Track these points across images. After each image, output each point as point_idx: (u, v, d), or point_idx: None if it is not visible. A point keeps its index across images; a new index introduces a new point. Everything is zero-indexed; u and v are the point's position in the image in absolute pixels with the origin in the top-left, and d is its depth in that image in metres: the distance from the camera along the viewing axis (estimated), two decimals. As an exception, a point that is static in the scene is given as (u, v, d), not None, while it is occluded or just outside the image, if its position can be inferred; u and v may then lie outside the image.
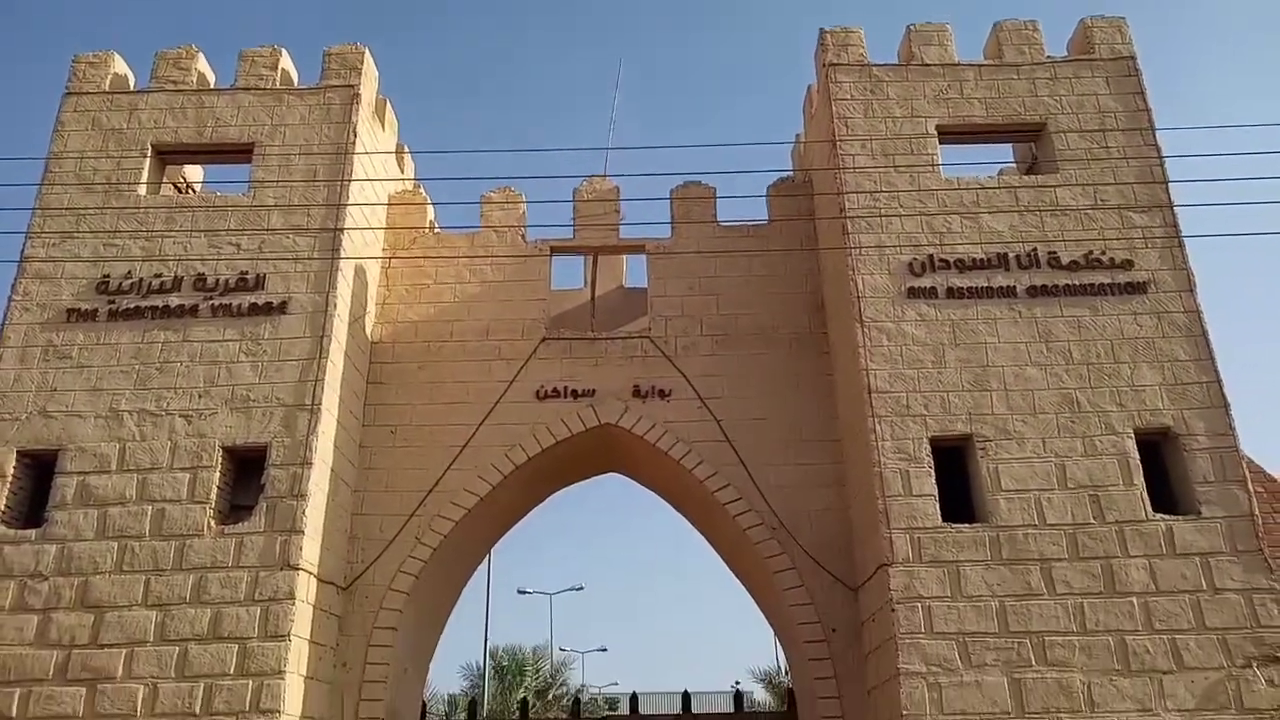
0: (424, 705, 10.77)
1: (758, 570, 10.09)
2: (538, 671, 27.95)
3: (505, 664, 27.45)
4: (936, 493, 8.58)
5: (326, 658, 9.09)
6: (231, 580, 8.43)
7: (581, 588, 50.66)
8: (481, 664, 25.60)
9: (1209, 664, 7.87)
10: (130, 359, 9.25)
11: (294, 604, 8.35)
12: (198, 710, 8.01)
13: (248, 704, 8.02)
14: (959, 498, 8.71)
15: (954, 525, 8.46)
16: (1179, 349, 9.01)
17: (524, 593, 38.84)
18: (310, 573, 8.69)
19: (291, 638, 8.26)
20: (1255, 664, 7.85)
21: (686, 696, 10.96)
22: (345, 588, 9.56)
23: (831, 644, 9.31)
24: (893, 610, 8.18)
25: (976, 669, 7.95)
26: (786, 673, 19.94)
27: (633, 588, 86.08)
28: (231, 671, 8.13)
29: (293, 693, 8.23)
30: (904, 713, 7.85)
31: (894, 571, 8.30)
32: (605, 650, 52.43)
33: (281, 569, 8.46)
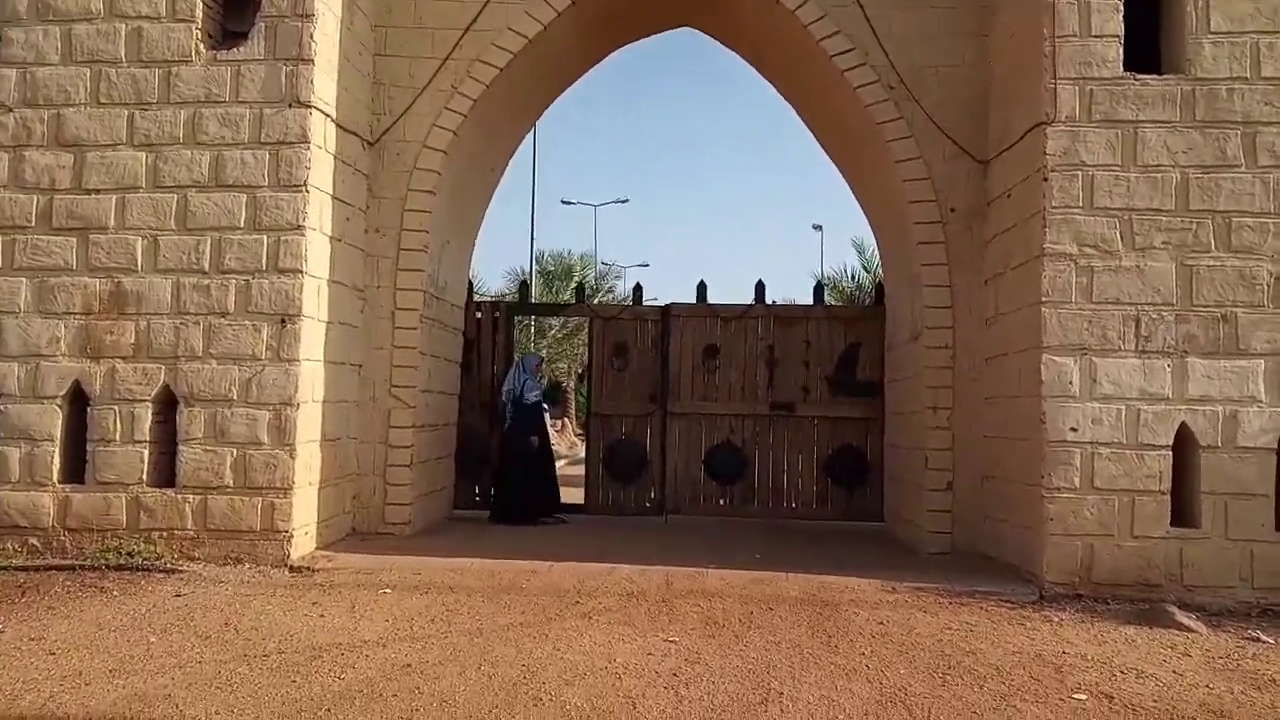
0: (470, 284, 9.73)
1: (863, 142, 8.41)
2: (584, 278, 27.59)
3: (551, 269, 27.07)
4: (1122, 32, 6.60)
5: (356, 220, 7.82)
6: (231, 118, 6.92)
7: (626, 200, 49.98)
8: (525, 268, 25.21)
9: None
10: None
11: (308, 149, 6.88)
12: (207, 267, 6.88)
13: (264, 261, 6.86)
14: (1148, 42, 6.74)
15: (1138, 76, 6.58)
16: None
17: (568, 203, 38.22)
18: (325, 113, 7.13)
19: (309, 189, 6.89)
20: None
21: (760, 286, 9.79)
22: (373, 142, 8.06)
23: (948, 226, 7.85)
24: (1045, 179, 6.57)
25: (1139, 252, 6.49)
26: (853, 276, 19.05)
27: (678, 204, 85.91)
28: (242, 225, 6.88)
29: (316, 252, 7.04)
30: (1044, 299, 6.53)
31: (1053, 132, 6.57)
32: (647, 266, 52.67)
33: (290, 105, 6.89)
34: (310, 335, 6.97)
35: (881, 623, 5.66)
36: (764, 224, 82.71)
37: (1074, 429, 6.45)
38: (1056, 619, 5.92)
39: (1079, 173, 6.55)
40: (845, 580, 6.62)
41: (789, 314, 9.79)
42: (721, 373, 9.61)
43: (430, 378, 8.41)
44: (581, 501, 9.70)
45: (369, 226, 8.03)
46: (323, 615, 5.50)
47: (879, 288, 9.82)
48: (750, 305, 9.72)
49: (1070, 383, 6.47)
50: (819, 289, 10.03)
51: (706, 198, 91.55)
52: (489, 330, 9.81)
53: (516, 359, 9.76)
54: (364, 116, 7.92)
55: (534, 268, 24.86)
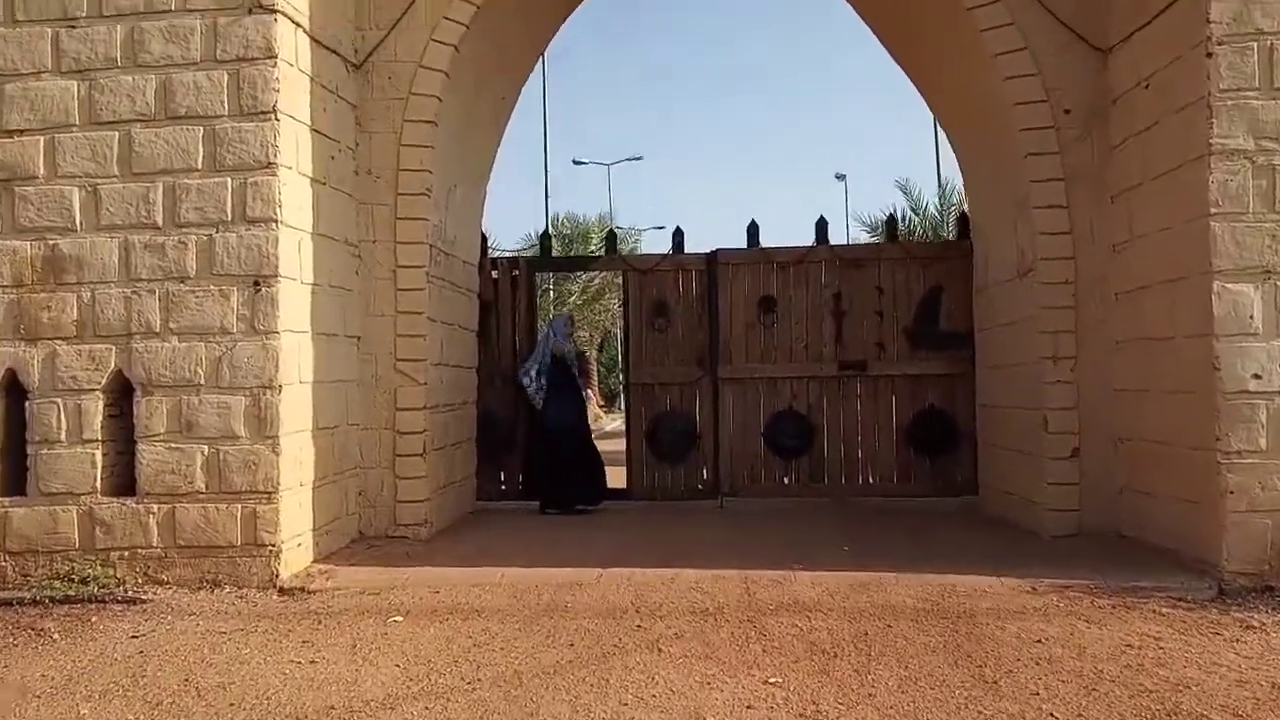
0: (484, 237, 8.36)
1: (948, 35, 6.94)
2: (602, 239, 26.11)
3: (567, 232, 25.62)
4: None
5: (343, 160, 6.47)
6: (179, 32, 5.56)
7: (640, 158, 48.01)
8: (540, 231, 23.77)
9: None
10: None
11: (275, 65, 5.52)
12: (160, 221, 5.56)
13: (229, 210, 5.53)
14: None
15: (1330, -86, 5.12)
16: None
17: (579, 163, 36.45)
18: (295, 22, 5.75)
19: (279, 116, 5.54)
20: None
21: (822, 223, 8.37)
22: (359, 65, 6.69)
23: (1062, 132, 6.42)
24: (1209, 55, 5.13)
25: (1338, 144, 5.07)
26: (902, 218, 17.26)
27: (692, 160, 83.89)
28: (200, 165, 5.55)
29: (294, 196, 5.70)
30: (1212, 210, 5.12)
31: (1220, -8, 5.13)
32: (663, 228, 50.93)
33: (250, 11, 5.52)
34: (292, 301, 5.66)
35: (1039, 640, 4.33)
36: (782, 177, 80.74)
37: (1258, 375, 5.07)
38: (1257, 623, 4.59)
39: (1254, 43, 5.10)
40: (968, 580, 5.29)
41: (857, 255, 8.38)
42: (780, 328, 8.23)
43: (443, 349, 7.09)
44: (623, 485, 8.40)
45: (359, 168, 6.68)
46: (314, 661, 4.22)
47: (962, 220, 8.38)
48: (811, 247, 8.30)
49: (1250, 316, 5.09)
50: (892, 223, 8.59)
51: (719, 152, 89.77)
52: (508, 291, 8.46)
53: (542, 331, 8.43)
54: (345, 32, 6.54)
55: (549, 231, 23.44)
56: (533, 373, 7.90)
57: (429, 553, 6.18)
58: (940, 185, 17.90)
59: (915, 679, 3.87)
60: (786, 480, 8.27)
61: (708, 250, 8.36)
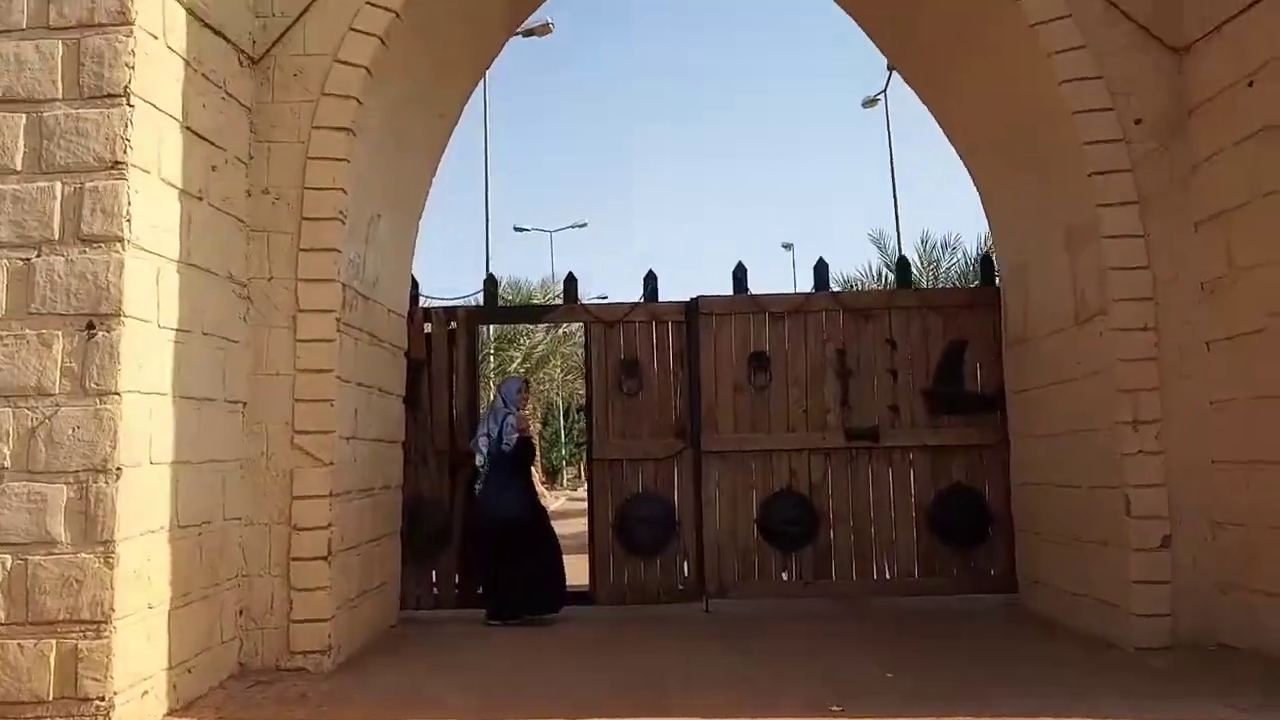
0: (415, 282, 6.89)
1: (989, 36, 5.78)
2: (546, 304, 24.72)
3: (509, 296, 24.16)
4: None
5: (229, 174, 4.99)
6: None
7: (584, 224, 46.86)
8: (476, 299, 22.31)
9: None
10: None
11: (131, 35, 4.08)
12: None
13: (56, 225, 4.00)
14: None
15: None
16: None
17: (521, 230, 35.14)
18: (162, -17, 4.34)
19: (134, 101, 4.07)
20: None
21: (822, 266, 7.09)
22: (256, 60, 5.26)
23: (1132, 147, 5.24)
24: (1359, 33, 4.00)
25: None
26: (878, 274, 16.20)
27: (638, 226, 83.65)
28: (19, 165, 4.04)
29: (152, 210, 4.19)
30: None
31: (1367, -45, 4.01)
32: (605, 298, 49.89)
33: (93, -37, 4.10)
34: (143, 350, 4.11)
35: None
36: (725, 249, 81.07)
37: None
38: None
39: None
40: (1081, 728, 3.87)
41: (865, 304, 7.09)
42: (774, 391, 6.86)
43: (357, 418, 5.55)
44: (585, 584, 6.86)
45: (254, 186, 5.19)
46: None
47: (985, 263, 7.17)
48: (809, 294, 7.02)
49: None
50: (903, 266, 7.35)
51: (661, 226, 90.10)
52: (443, 347, 6.98)
53: (492, 400, 6.98)
54: (240, 16, 5.12)
55: (493, 276, 22.01)
56: (482, 448, 6.43)
57: (332, 697, 4.52)
58: (920, 239, 17.09)
59: None
60: (786, 576, 6.81)
61: (687, 298, 7.01)
